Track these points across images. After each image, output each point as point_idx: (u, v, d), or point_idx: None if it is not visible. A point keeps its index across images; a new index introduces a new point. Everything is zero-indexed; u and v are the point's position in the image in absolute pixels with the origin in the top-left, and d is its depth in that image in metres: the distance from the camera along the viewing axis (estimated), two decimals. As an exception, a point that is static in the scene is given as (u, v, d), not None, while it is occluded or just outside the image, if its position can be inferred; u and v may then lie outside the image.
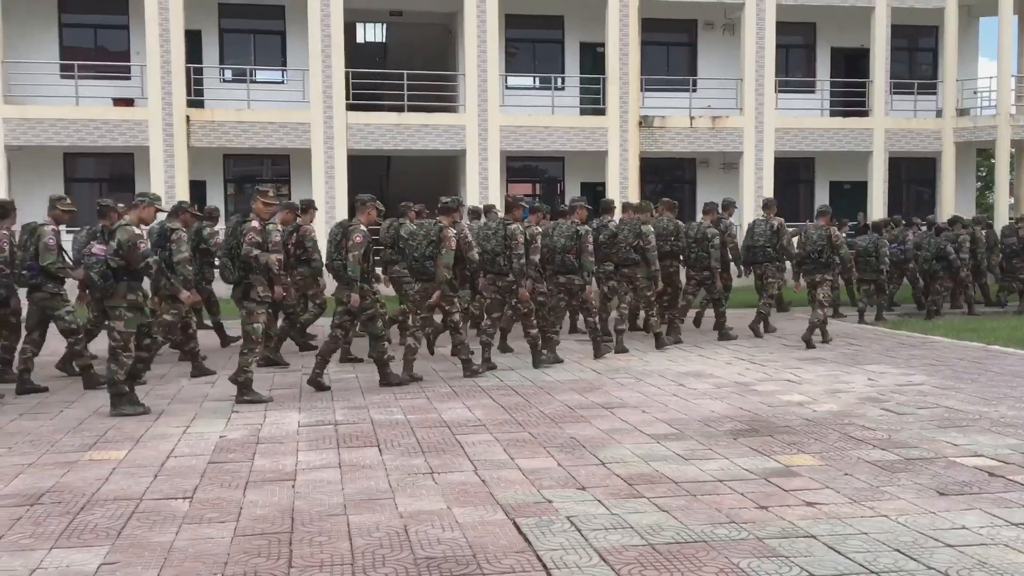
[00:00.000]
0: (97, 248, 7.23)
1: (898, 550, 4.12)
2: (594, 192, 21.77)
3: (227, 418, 7.12)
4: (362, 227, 8.18)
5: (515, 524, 4.49)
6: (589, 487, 5.12)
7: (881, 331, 12.60)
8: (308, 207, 10.57)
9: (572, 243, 9.71)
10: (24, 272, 8.29)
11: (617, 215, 11.83)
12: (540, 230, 9.63)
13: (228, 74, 21.82)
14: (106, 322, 9.48)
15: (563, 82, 22.86)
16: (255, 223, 7.58)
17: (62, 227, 8.73)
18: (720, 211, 12.11)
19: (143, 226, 7.70)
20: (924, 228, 15.25)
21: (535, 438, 6.33)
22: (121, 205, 9.60)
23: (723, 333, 11.66)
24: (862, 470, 5.43)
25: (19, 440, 6.43)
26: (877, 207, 22.51)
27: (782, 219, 12.10)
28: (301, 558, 4.06)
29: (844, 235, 13.77)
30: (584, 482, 5.22)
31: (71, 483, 5.31)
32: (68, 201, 8.73)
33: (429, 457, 5.83)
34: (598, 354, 10.05)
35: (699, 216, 12.91)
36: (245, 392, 7.72)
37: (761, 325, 11.90)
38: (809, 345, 10.85)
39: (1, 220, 8.30)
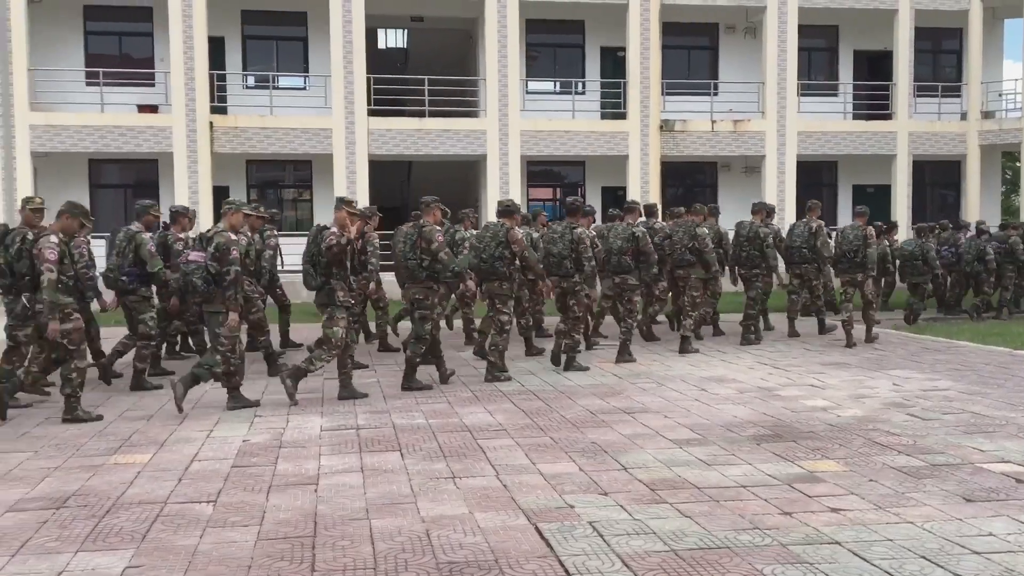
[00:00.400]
0: (195, 255, 7.50)
1: (924, 557, 4.08)
2: (615, 196, 21.74)
3: (250, 422, 7.16)
4: (438, 227, 8.58)
5: (537, 529, 4.48)
6: (611, 492, 5.10)
7: (905, 336, 12.49)
8: (372, 214, 11.00)
9: (628, 244, 10.02)
10: (124, 278, 8.71)
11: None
12: (594, 232, 9.93)
13: (251, 80, 22.00)
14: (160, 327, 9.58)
15: (584, 86, 22.87)
16: (335, 230, 7.79)
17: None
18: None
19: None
20: (972, 232, 15.25)
21: (556, 443, 6.32)
22: (193, 210, 9.93)
23: (746, 337, 11.61)
24: (887, 476, 5.38)
25: (45, 444, 6.49)
26: (901, 211, 22.34)
27: (822, 222, 12.23)
28: (324, 562, 4.07)
29: (898, 240, 14.24)
30: (606, 487, 5.20)
31: (96, 486, 5.35)
32: (157, 206, 9.22)
33: (451, 462, 5.83)
34: (621, 359, 10.04)
35: (720, 218, 12.90)
36: (290, 376, 7.77)
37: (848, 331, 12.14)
38: (871, 340, 11.32)
39: (81, 228, 8.59)
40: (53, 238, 7.12)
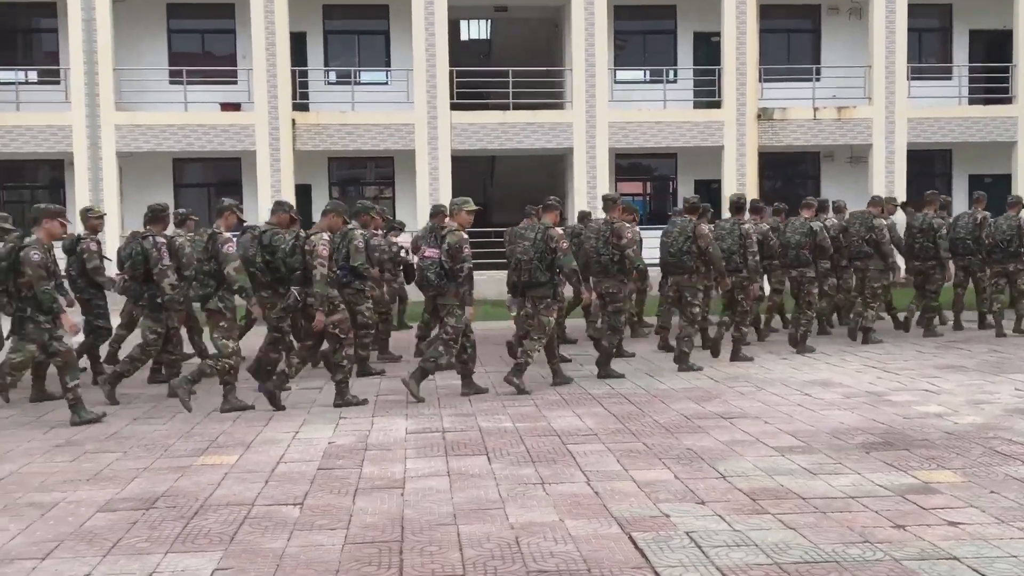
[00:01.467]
0: (430, 251, 8.04)
1: (1055, 577, 3.79)
2: (709, 189, 21.18)
3: (335, 424, 7.14)
4: (627, 225, 9.09)
5: (631, 539, 4.35)
6: (709, 501, 4.92)
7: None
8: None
9: (806, 239, 10.53)
10: (338, 272, 9.17)
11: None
12: (768, 227, 10.44)
13: (332, 76, 22.10)
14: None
15: (675, 75, 22.36)
16: (559, 229, 8.27)
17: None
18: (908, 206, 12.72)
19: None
20: None
21: (650, 449, 6.13)
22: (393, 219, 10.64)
23: (930, 330, 11.69)
24: (1010, 488, 5.06)
25: (133, 444, 6.57)
26: (1023, 201, 21.13)
27: (987, 213, 12.17)
28: (412, 567, 4.02)
29: None
30: (703, 496, 5.02)
31: (184, 488, 5.38)
32: (376, 208, 10.00)
33: (539, 467, 5.70)
34: (801, 350, 10.45)
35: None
36: (516, 374, 8.21)
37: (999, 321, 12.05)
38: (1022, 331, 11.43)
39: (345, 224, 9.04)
40: (326, 236, 7.70)
